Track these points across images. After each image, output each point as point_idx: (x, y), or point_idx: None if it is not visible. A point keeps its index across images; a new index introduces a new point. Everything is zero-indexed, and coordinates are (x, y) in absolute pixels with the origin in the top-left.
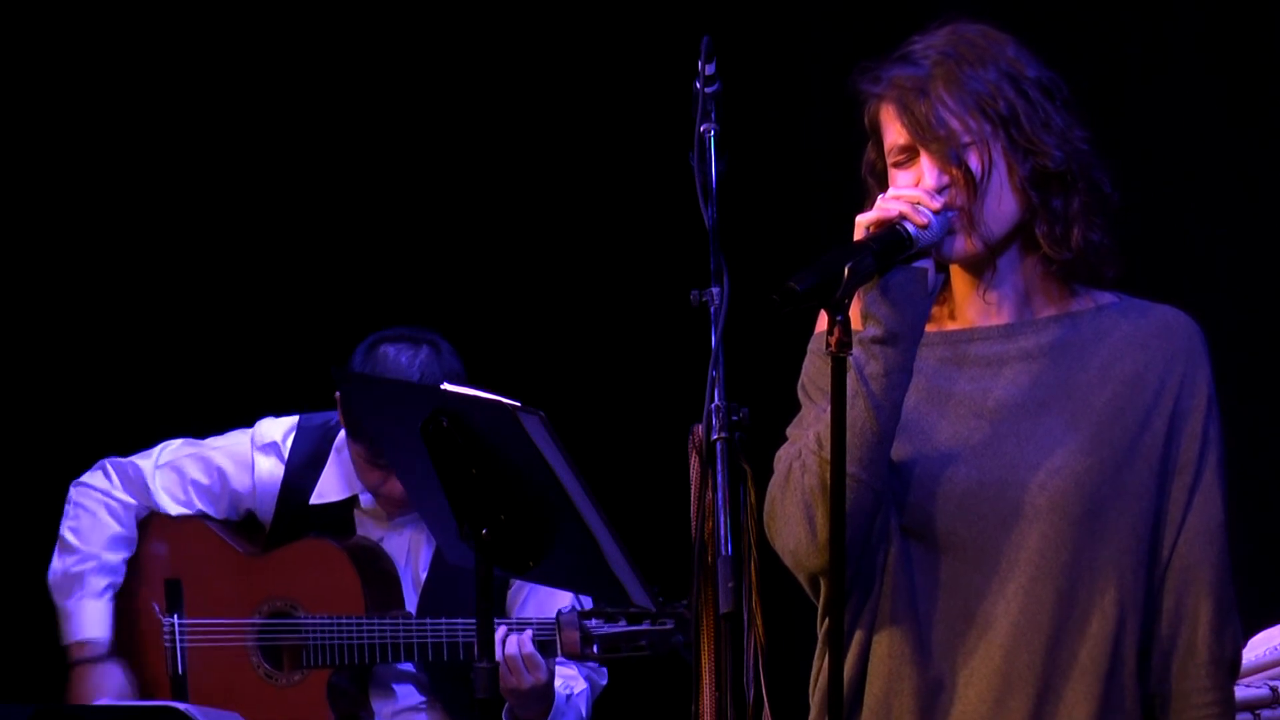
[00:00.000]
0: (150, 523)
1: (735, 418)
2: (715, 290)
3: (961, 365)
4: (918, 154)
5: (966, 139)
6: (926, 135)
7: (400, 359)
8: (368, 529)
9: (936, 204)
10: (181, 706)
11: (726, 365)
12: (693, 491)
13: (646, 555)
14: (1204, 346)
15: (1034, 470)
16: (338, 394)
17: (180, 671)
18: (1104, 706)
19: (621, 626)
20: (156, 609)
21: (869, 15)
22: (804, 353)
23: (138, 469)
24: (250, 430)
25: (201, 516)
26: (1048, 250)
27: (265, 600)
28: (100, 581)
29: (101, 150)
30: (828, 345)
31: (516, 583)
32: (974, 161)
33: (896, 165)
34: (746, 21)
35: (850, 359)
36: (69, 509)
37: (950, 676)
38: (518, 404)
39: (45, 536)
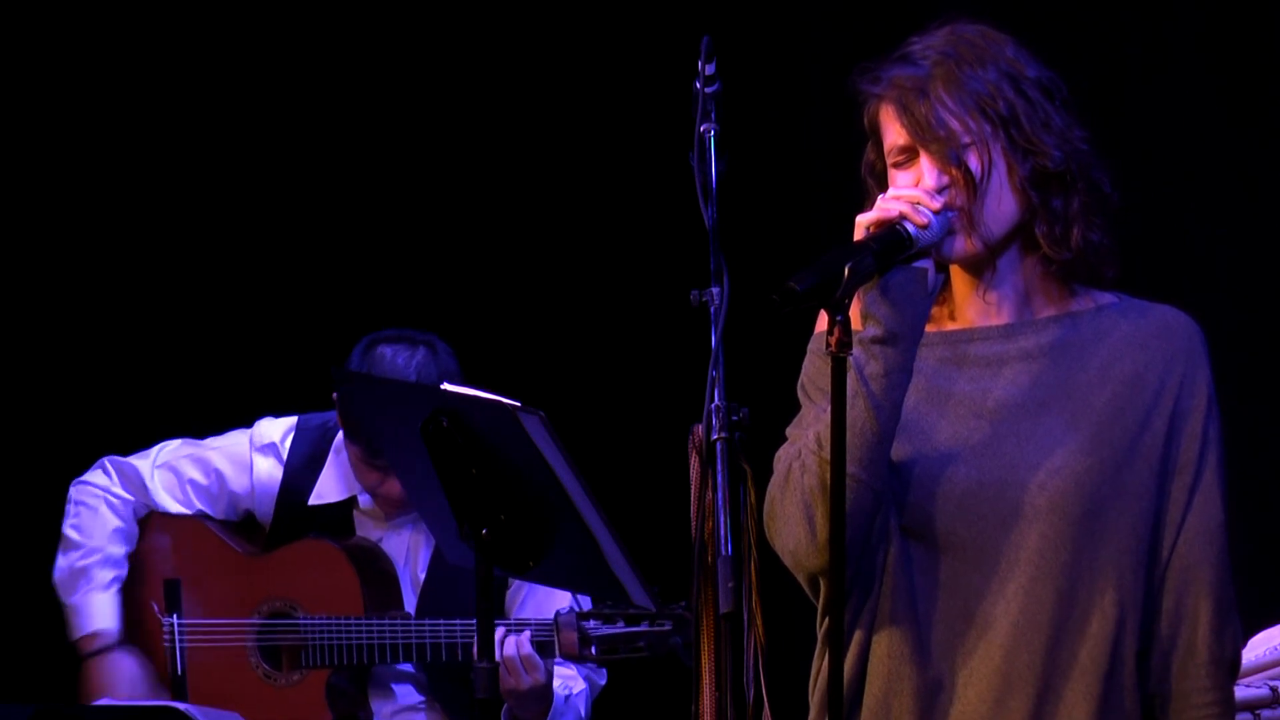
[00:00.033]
0: (149, 522)
1: (735, 418)
2: (715, 290)
3: (961, 365)
4: (917, 154)
5: (966, 139)
6: (926, 135)
7: (397, 360)
8: (367, 529)
9: (936, 204)
10: (181, 706)
11: (726, 365)
12: (693, 491)
13: (646, 555)
14: (1204, 346)
15: (1034, 470)
16: (335, 394)
17: (180, 671)
18: (1104, 706)
19: (619, 628)
20: (156, 609)
21: (869, 15)
22: (804, 353)
23: (135, 469)
24: (249, 431)
25: (201, 516)
26: (1048, 250)
27: (264, 600)
28: (106, 574)
29: (101, 151)
30: (828, 345)
31: (515, 583)
32: (974, 162)
33: (896, 166)
34: (746, 21)
35: (850, 359)
36: (70, 507)
37: (950, 676)
38: (518, 404)
39: (45, 537)
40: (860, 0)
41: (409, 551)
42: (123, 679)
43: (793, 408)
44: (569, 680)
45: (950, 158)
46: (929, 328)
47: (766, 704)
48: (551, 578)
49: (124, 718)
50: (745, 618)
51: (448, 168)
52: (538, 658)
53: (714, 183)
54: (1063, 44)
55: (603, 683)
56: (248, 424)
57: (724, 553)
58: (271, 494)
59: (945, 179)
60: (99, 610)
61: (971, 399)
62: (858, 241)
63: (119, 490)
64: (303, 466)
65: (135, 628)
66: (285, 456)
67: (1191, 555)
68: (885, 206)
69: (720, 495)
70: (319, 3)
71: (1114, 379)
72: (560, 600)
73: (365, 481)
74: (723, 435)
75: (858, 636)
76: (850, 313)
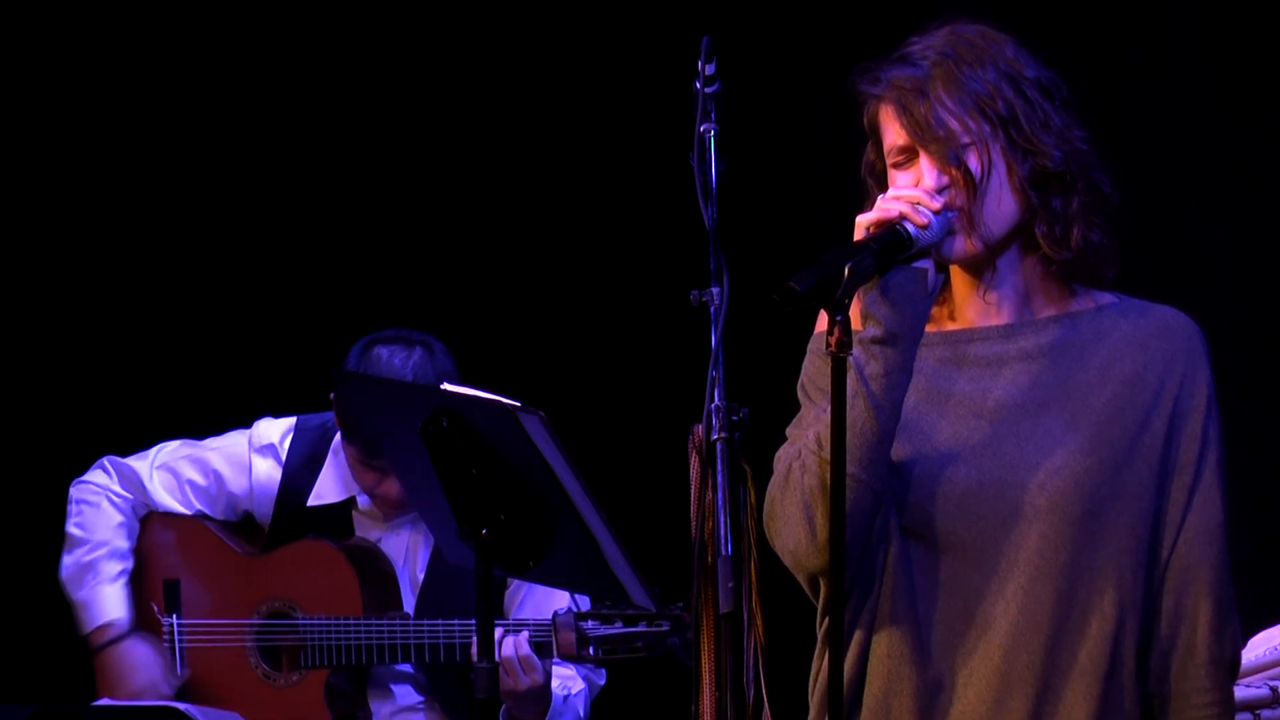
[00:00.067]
0: (149, 523)
1: (735, 418)
2: (715, 290)
3: (961, 365)
4: (917, 155)
5: (966, 139)
6: (925, 136)
7: (393, 360)
8: (366, 530)
9: (936, 204)
10: (181, 706)
11: (726, 365)
12: (693, 491)
13: (646, 555)
14: (1204, 347)
15: (1033, 470)
16: (332, 395)
17: (179, 671)
18: (1103, 707)
19: (617, 628)
20: (155, 609)
21: (869, 15)
22: (804, 353)
23: (134, 470)
24: (248, 431)
25: (200, 517)
26: (1047, 250)
27: (264, 601)
28: (113, 567)
29: (101, 151)
30: (828, 345)
31: (514, 583)
32: (973, 162)
33: (896, 166)
34: (746, 21)
35: (850, 359)
36: (71, 507)
37: (949, 677)
38: (518, 404)
39: (45, 537)
40: (860, 0)
41: (408, 552)
42: (140, 665)
43: (793, 408)
44: (568, 680)
45: (950, 158)
46: (929, 328)
47: (766, 704)
48: (551, 578)
49: (124, 718)
50: (745, 618)
51: (448, 168)
52: (536, 658)
53: (714, 183)
54: (1063, 44)
55: (602, 683)
56: (247, 424)
57: (724, 553)
58: (270, 495)
59: (945, 179)
60: (109, 602)
61: (971, 399)
62: (858, 241)
63: (119, 489)
64: (301, 467)
65: None
66: (284, 457)
67: (1191, 555)
68: (885, 207)
69: (720, 495)
70: (319, 3)
71: (1114, 379)
72: (559, 600)
73: (362, 482)
74: (723, 435)
75: (858, 636)
76: (850, 313)
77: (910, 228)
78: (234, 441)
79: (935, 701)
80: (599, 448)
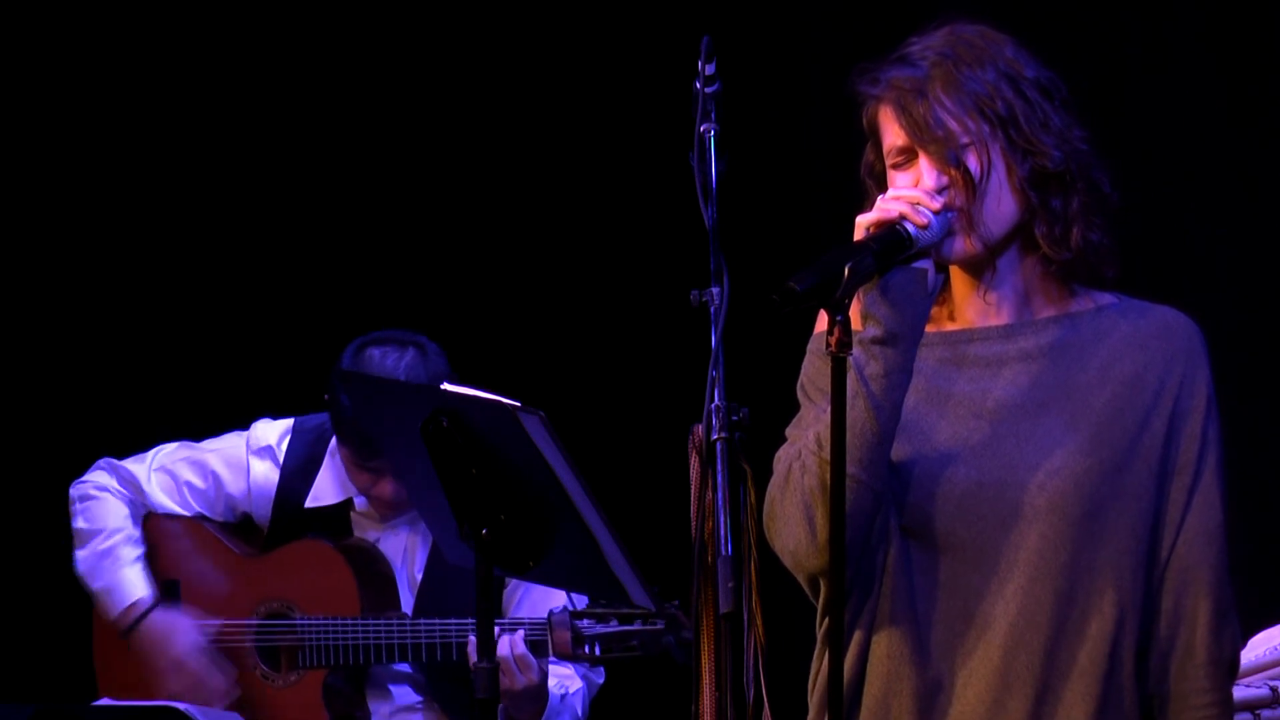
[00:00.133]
0: (147, 523)
1: (735, 418)
2: (715, 290)
3: (961, 366)
4: (916, 155)
5: (965, 140)
6: (925, 136)
7: (386, 361)
8: (364, 531)
9: (936, 204)
10: (181, 706)
11: (726, 365)
12: (693, 491)
13: (646, 555)
14: (1203, 347)
15: (1033, 471)
16: (326, 396)
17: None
18: (1102, 707)
19: (613, 627)
20: None
21: (869, 15)
22: (804, 353)
23: (132, 472)
24: (245, 433)
25: (199, 518)
26: (1047, 250)
27: (262, 601)
28: (131, 551)
29: (101, 151)
30: (828, 345)
31: (512, 583)
32: (972, 162)
33: (895, 167)
34: (746, 21)
35: (850, 359)
36: (74, 506)
37: (949, 677)
38: (518, 404)
39: (45, 538)
40: (860, 0)
41: (406, 552)
42: (177, 630)
43: (793, 408)
44: (565, 679)
45: (949, 158)
46: (929, 328)
47: (766, 704)
48: (551, 578)
49: (124, 718)
50: (745, 618)
51: (447, 168)
52: (531, 657)
53: (714, 183)
54: (1063, 44)
55: (600, 682)
56: (245, 426)
57: (724, 553)
58: (268, 496)
59: (944, 179)
60: (132, 583)
61: (971, 399)
62: (858, 242)
63: (119, 487)
64: (299, 469)
65: None
66: (282, 459)
67: (1190, 556)
68: (885, 207)
69: (720, 495)
70: (319, 3)
71: (1113, 380)
72: (558, 600)
73: (357, 483)
74: (723, 435)
75: (857, 637)
76: (850, 313)
77: (910, 228)
78: (231, 443)
79: (935, 702)
80: (599, 448)
